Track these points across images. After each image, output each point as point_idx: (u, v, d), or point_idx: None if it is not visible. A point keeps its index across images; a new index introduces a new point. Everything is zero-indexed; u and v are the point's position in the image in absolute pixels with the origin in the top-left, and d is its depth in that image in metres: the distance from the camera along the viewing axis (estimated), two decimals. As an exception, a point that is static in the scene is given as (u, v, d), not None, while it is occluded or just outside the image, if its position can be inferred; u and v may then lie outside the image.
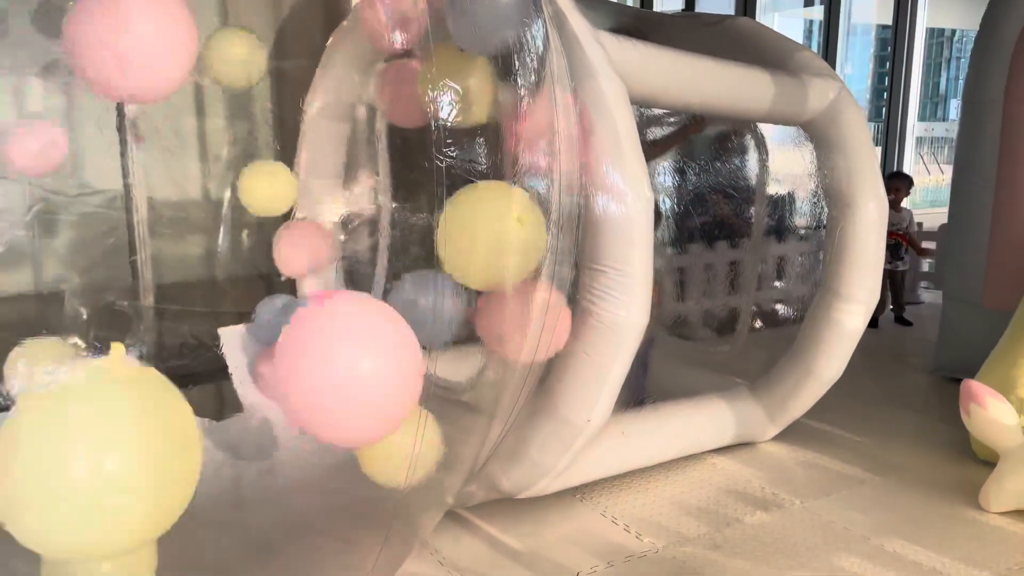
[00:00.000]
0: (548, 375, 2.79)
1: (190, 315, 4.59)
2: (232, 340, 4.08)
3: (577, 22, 2.68)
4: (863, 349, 5.90)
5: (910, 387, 5.02)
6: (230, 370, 4.02)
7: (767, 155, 4.35)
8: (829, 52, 9.44)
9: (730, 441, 3.79)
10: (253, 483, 3.45)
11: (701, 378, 4.25)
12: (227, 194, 4.32)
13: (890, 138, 10.33)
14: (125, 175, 4.74)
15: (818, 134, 3.65)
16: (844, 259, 3.58)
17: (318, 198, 4.13)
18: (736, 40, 3.88)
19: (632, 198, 2.58)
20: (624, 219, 2.58)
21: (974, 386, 3.29)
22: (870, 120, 11.50)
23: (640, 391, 3.87)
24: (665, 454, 3.49)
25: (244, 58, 3.26)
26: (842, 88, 3.63)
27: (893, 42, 10.31)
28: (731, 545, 2.99)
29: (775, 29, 3.93)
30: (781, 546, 2.99)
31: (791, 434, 4.00)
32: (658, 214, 3.86)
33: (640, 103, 3.01)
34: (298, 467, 3.43)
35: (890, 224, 6.40)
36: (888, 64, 10.53)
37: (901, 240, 6.48)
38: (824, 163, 3.64)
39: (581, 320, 2.67)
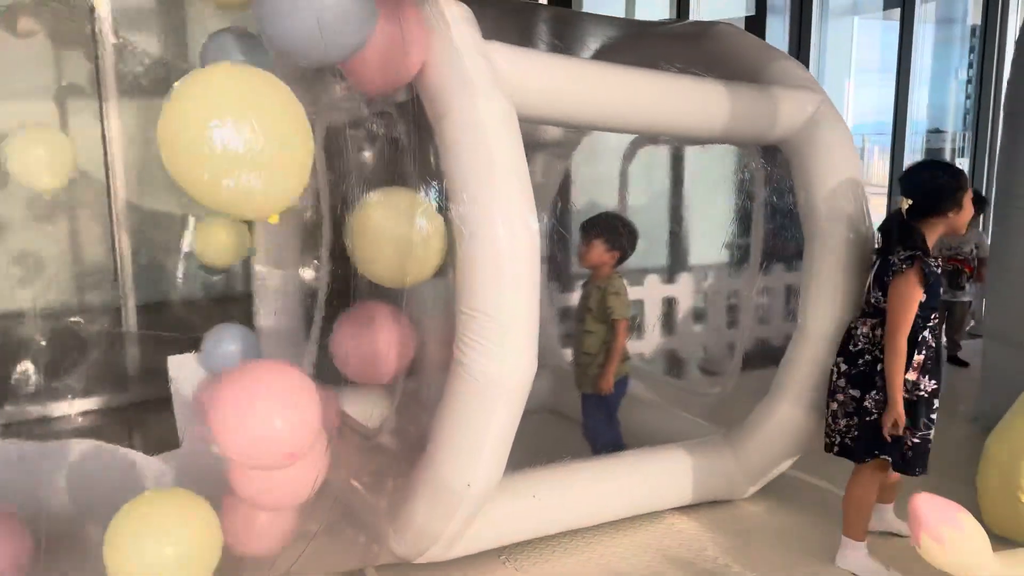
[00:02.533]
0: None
1: (154, 339, 4.51)
2: (180, 369, 3.95)
3: (461, 33, 2.38)
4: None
5: (944, 440, 4.38)
6: (174, 401, 3.89)
7: (761, 165, 3.85)
8: (903, 57, 8.64)
9: (696, 499, 3.37)
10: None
11: (679, 425, 3.83)
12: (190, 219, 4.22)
13: (979, 151, 9.44)
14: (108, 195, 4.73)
15: (794, 153, 3.20)
16: (821, 295, 3.11)
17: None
18: (715, 52, 3.48)
19: (505, 233, 2.26)
20: (495, 257, 2.26)
21: (935, 506, 2.45)
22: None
23: (615, 442, 3.50)
24: (601, 515, 3.12)
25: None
26: (823, 102, 3.17)
27: (981, 46, 9.43)
28: (646, 631, 2.60)
29: (745, 36, 3.49)
30: (705, 635, 2.58)
31: (782, 491, 3.54)
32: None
33: (544, 122, 2.68)
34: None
35: (949, 248, 5.79)
36: (976, 69, 9.62)
37: (962, 267, 5.78)
38: (801, 186, 3.18)
39: (454, 372, 2.35)
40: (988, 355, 4.43)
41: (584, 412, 3.50)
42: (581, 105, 2.61)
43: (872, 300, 2.87)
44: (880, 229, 2.89)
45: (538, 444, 4.05)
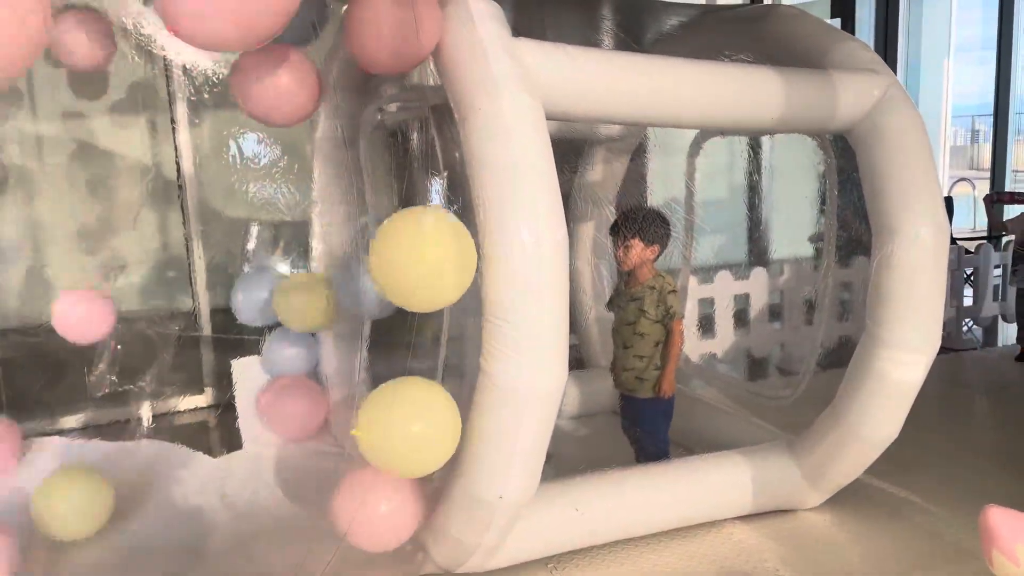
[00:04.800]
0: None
1: (225, 343, 4.63)
2: (244, 372, 4.04)
3: (488, 31, 2.31)
4: (998, 393, 4.97)
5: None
6: (236, 402, 3.98)
7: (833, 158, 3.62)
8: (1003, 32, 8.03)
9: (755, 508, 3.21)
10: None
11: (741, 429, 3.67)
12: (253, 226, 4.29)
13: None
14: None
15: (859, 142, 2.99)
16: (889, 298, 2.90)
17: (331, 223, 3.99)
18: (775, 36, 3.29)
19: (530, 239, 2.18)
20: (519, 264, 2.18)
21: (1008, 521, 2.14)
22: None
23: (661, 446, 3.38)
24: (651, 525, 3.00)
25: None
26: (891, 85, 2.95)
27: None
28: (692, 650, 2.48)
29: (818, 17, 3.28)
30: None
31: (852, 499, 3.34)
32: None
33: (578, 119, 2.58)
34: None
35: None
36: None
37: None
38: (867, 177, 2.97)
39: (480, 382, 2.29)
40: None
41: (637, 418, 3.37)
42: (615, 100, 2.50)
43: None
44: None
45: (601, 446, 4.01)
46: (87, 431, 4.42)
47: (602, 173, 4.45)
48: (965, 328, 6.24)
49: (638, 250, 3.19)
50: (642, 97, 2.53)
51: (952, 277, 5.98)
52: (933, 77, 9.76)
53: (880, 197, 2.90)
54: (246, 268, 4.29)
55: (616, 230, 3.26)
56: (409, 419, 2.29)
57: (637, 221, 3.14)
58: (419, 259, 2.21)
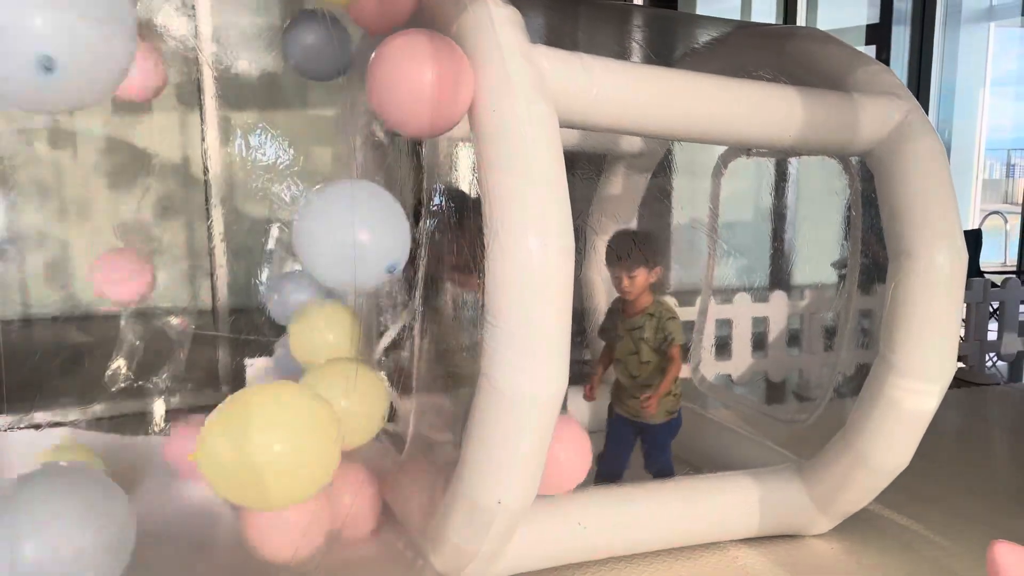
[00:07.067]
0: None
1: (241, 343, 4.66)
2: (257, 372, 4.07)
3: (506, 35, 2.32)
4: (1020, 429, 4.87)
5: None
6: (249, 402, 4.00)
7: (857, 182, 3.58)
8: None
9: (761, 531, 3.16)
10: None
11: (752, 451, 3.62)
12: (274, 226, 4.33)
13: None
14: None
15: (878, 165, 2.96)
16: (903, 324, 2.85)
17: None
18: (798, 56, 3.28)
19: (537, 245, 2.17)
20: (525, 269, 2.18)
21: (1017, 558, 2.00)
22: None
23: (666, 464, 3.35)
24: (656, 542, 2.97)
25: None
26: (911, 110, 2.92)
27: None
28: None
29: (842, 42, 3.26)
30: None
31: (861, 528, 3.28)
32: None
33: (591, 128, 2.58)
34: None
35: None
36: None
37: None
38: (884, 201, 2.94)
39: (480, 386, 2.29)
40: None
41: (651, 443, 3.34)
42: (629, 110, 2.49)
43: None
44: None
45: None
46: (100, 423, 4.47)
47: (621, 188, 4.44)
48: (989, 363, 6.12)
49: (643, 278, 3.14)
50: (656, 108, 2.53)
51: (978, 311, 5.88)
52: (967, 108, 9.66)
53: (897, 221, 2.87)
54: (266, 269, 4.31)
55: (617, 259, 3.14)
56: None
57: (638, 247, 3.09)
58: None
